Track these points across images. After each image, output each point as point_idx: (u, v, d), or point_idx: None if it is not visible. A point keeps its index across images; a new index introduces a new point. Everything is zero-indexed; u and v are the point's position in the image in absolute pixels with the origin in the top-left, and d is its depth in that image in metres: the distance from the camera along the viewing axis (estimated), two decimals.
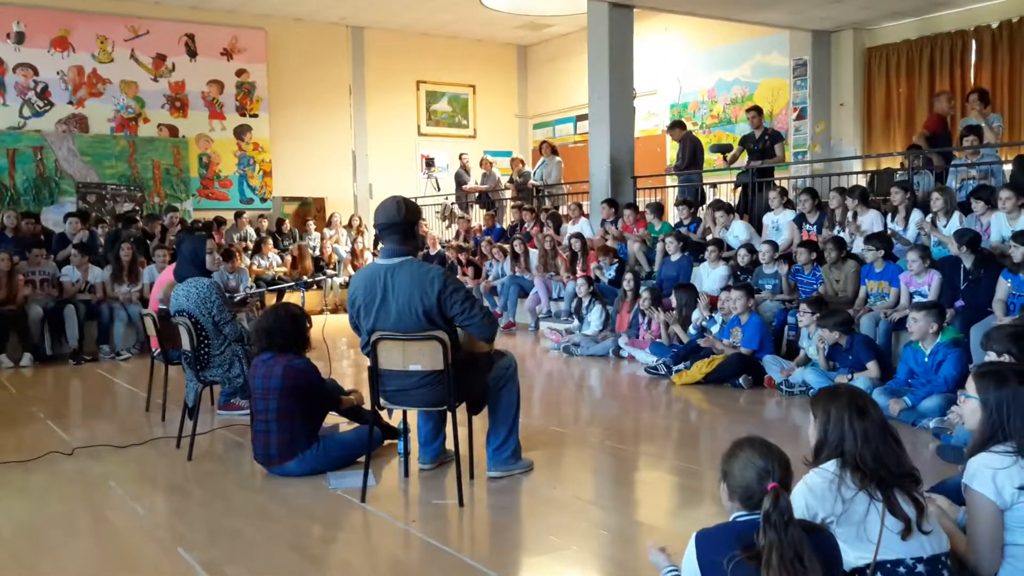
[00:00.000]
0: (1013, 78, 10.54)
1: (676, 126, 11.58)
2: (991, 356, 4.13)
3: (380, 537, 3.90)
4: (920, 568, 2.39)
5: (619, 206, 10.75)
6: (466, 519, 4.05)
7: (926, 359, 5.75)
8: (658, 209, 10.75)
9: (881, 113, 12.02)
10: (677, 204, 10.82)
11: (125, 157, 13.74)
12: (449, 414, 4.26)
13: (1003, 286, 6.27)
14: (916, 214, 7.85)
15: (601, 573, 3.47)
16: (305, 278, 13.01)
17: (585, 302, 9.28)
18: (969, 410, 2.77)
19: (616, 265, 9.96)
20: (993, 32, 10.72)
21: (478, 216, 14.23)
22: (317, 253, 14.00)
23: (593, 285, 9.41)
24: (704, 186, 11.47)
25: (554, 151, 13.66)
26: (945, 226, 7.38)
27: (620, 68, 10.96)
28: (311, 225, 14.38)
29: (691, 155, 11.14)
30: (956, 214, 7.49)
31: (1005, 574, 2.57)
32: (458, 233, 13.74)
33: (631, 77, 11.16)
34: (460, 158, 15.00)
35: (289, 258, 13.47)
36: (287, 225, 14.35)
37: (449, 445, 4.57)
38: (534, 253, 11.29)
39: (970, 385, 2.77)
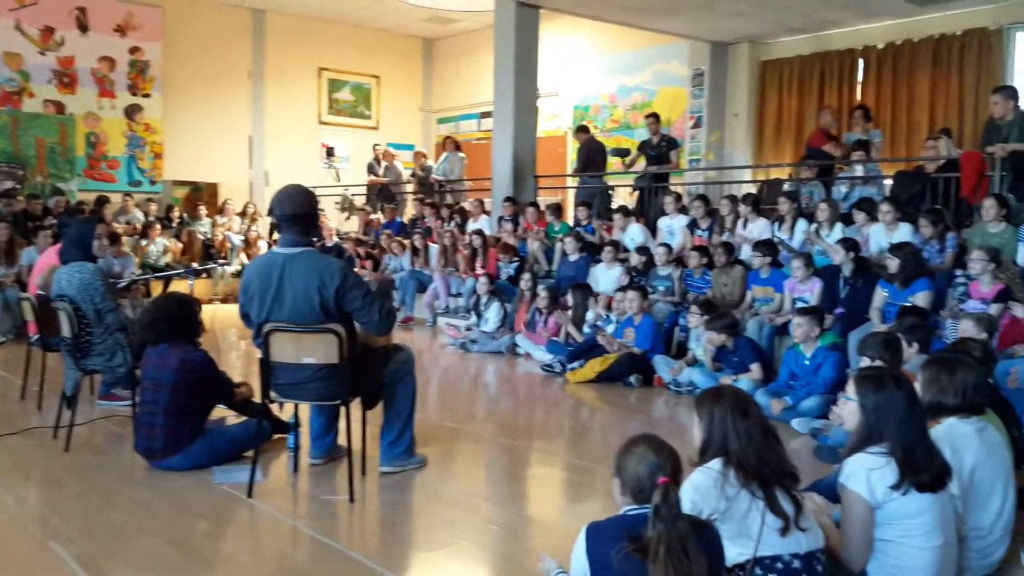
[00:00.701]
0: (896, 97, 11.09)
1: (580, 130, 11.90)
2: (865, 361, 4.33)
3: (266, 533, 3.82)
4: (796, 564, 2.49)
5: (520, 204, 10.82)
6: (356, 515, 4.01)
7: (807, 362, 5.99)
8: (557, 209, 10.88)
9: (772, 124, 12.44)
10: (577, 206, 10.98)
11: (6, 133, 13.04)
12: (343, 409, 4.21)
13: (879, 295, 6.59)
14: (802, 223, 8.17)
15: (490, 568, 3.49)
16: (195, 265, 12.62)
17: (484, 299, 9.30)
18: (848, 412, 2.88)
19: (516, 263, 10.01)
20: (879, 52, 11.24)
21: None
22: (208, 238, 13.57)
23: (493, 283, 9.44)
24: (601, 188, 11.67)
25: (457, 147, 13.64)
26: (828, 235, 7.71)
27: (525, 67, 11.01)
28: (202, 211, 13.92)
29: (585, 159, 11.39)
30: (839, 224, 7.83)
31: (872, 567, 2.72)
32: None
33: (535, 77, 11.24)
34: (373, 149, 14.78)
35: (179, 244, 13.03)
36: (176, 210, 13.85)
37: (342, 440, 4.51)
38: (434, 248, 11.24)
39: (850, 388, 2.89)
